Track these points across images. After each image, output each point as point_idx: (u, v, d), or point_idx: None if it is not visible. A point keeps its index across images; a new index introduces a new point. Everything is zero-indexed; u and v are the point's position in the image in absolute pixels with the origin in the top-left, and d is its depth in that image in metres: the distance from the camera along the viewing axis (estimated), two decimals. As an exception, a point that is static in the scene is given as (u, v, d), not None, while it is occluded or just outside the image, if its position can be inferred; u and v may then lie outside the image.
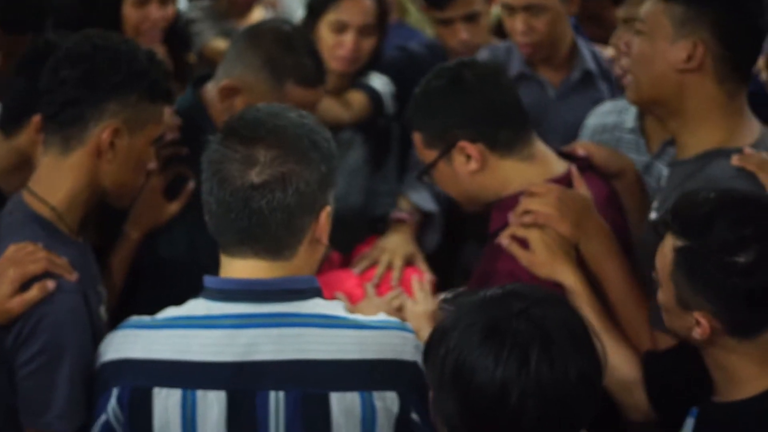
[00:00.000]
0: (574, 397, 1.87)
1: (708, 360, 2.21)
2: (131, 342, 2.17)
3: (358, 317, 2.17)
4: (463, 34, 3.76)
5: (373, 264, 3.22)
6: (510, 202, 2.62)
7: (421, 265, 3.26)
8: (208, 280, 2.16)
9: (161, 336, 2.14)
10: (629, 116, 3.22)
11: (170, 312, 2.18)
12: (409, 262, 3.25)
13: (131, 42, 2.57)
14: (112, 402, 2.14)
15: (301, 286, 2.13)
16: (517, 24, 3.57)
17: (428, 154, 2.71)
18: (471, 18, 3.78)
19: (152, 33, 3.59)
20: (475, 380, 1.85)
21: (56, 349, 2.31)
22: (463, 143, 2.63)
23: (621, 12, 3.18)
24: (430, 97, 2.71)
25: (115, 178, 2.50)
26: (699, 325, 2.14)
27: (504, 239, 2.57)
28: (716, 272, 2.11)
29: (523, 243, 2.55)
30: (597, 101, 3.53)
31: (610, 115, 3.32)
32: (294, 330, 2.09)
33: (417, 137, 2.74)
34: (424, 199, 3.53)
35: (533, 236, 2.54)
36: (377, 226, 3.56)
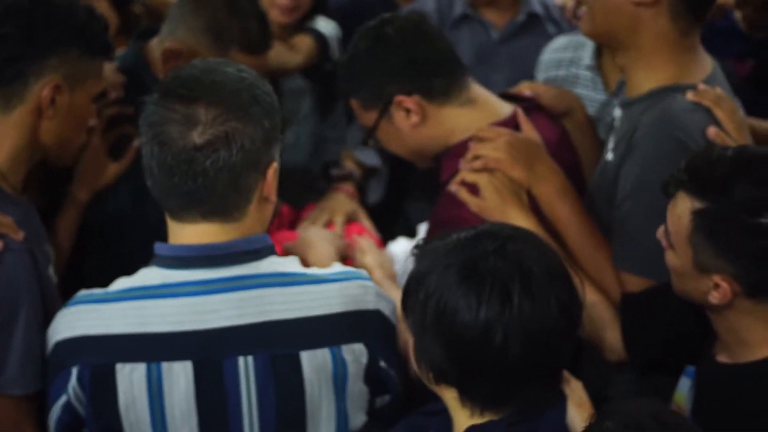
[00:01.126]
0: (557, 331, 1.87)
1: (718, 321, 2.18)
2: (85, 318, 2.09)
3: (316, 271, 2.14)
4: None
5: (314, 224, 3.22)
6: (459, 149, 2.62)
7: (365, 221, 3.28)
8: (159, 248, 2.10)
9: (117, 309, 2.07)
10: (586, 53, 3.22)
11: (123, 283, 2.11)
12: (351, 220, 3.26)
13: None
14: (72, 381, 2.07)
15: (255, 246, 2.09)
16: None
17: (368, 117, 2.71)
18: None
19: None
20: (458, 321, 1.84)
21: (7, 309, 2.25)
22: (400, 97, 2.62)
23: None
24: (357, 60, 2.71)
25: (57, 135, 2.46)
26: (717, 289, 2.10)
27: (454, 186, 2.56)
28: (739, 234, 2.06)
29: (474, 189, 2.54)
30: (543, 44, 3.52)
31: (566, 50, 3.31)
32: (254, 292, 2.06)
33: (354, 103, 2.74)
34: (368, 155, 3.55)
35: (483, 181, 2.53)
36: (327, 172, 3.56)
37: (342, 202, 3.34)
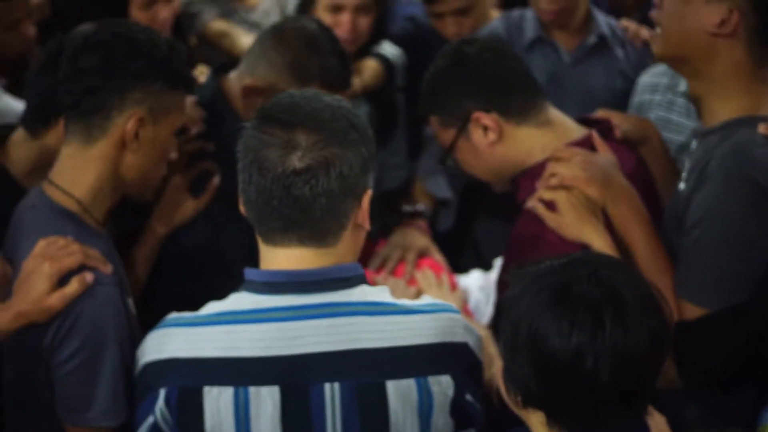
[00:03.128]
0: (646, 358, 1.85)
1: None
2: (174, 341, 2.10)
3: (406, 302, 2.13)
4: (450, 28, 3.79)
5: (386, 260, 3.23)
6: (536, 170, 2.64)
7: (437, 256, 3.27)
8: (251, 273, 2.10)
9: (207, 333, 2.08)
10: (683, 79, 3.15)
11: (213, 307, 2.11)
12: (423, 255, 3.25)
13: (150, 30, 2.52)
14: (160, 403, 2.08)
15: (347, 274, 2.09)
16: None
17: (447, 135, 2.73)
18: (461, 12, 3.80)
19: (162, 33, 3.56)
20: (549, 345, 1.83)
21: (98, 343, 2.26)
22: (478, 114, 2.65)
23: None
24: (437, 78, 2.74)
25: (139, 168, 2.46)
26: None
27: (532, 202, 2.58)
28: None
29: (551, 206, 2.55)
30: (612, 67, 3.56)
31: (665, 75, 3.29)
32: (344, 319, 2.05)
33: (433, 121, 2.77)
34: (439, 187, 3.60)
35: (561, 198, 2.55)
36: (389, 199, 3.57)
37: (414, 238, 3.33)
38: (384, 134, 3.74)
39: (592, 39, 3.70)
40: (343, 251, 2.09)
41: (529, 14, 3.74)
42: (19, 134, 2.74)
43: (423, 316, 2.10)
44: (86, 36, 2.45)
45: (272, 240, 2.08)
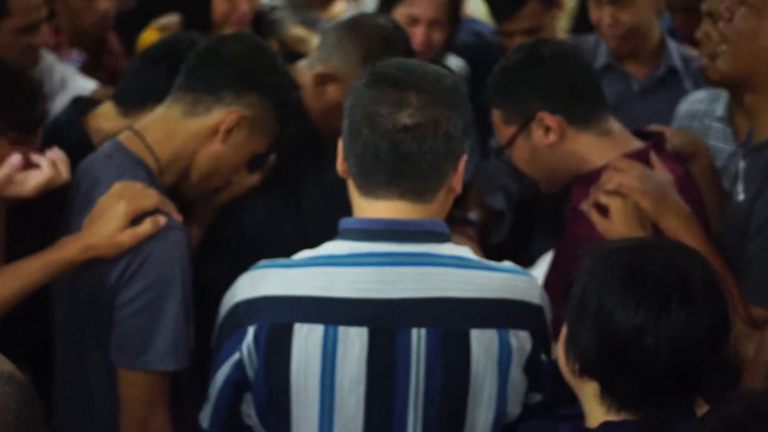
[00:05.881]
0: (706, 345, 1.88)
1: None
2: (268, 280, 2.15)
3: (489, 262, 2.20)
4: None
5: None
6: (592, 176, 2.66)
7: None
8: (347, 222, 2.16)
9: (302, 273, 2.13)
10: (720, 105, 3.24)
11: (307, 253, 2.16)
12: None
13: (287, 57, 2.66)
14: (248, 339, 2.11)
15: (440, 230, 2.15)
16: (604, 16, 3.66)
17: (507, 131, 2.74)
18: (531, 32, 3.84)
19: (239, 26, 3.64)
20: (614, 319, 1.87)
21: (164, 285, 2.30)
22: (543, 114, 2.66)
23: (705, 5, 3.16)
24: (509, 73, 2.75)
25: (215, 161, 2.52)
26: None
27: (585, 205, 2.62)
28: None
29: (603, 212, 2.59)
30: (680, 99, 3.53)
31: (702, 102, 3.33)
32: (435, 269, 2.10)
33: (496, 114, 2.77)
34: (495, 199, 3.63)
35: (615, 204, 2.57)
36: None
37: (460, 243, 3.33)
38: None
39: (662, 70, 3.75)
40: (436, 209, 2.15)
41: (603, 42, 3.78)
42: (109, 109, 2.82)
43: (505, 274, 2.17)
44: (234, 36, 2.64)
45: (373, 193, 2.13)
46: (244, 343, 2.11)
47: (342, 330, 2.08)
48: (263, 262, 2.20)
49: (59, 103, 3.17)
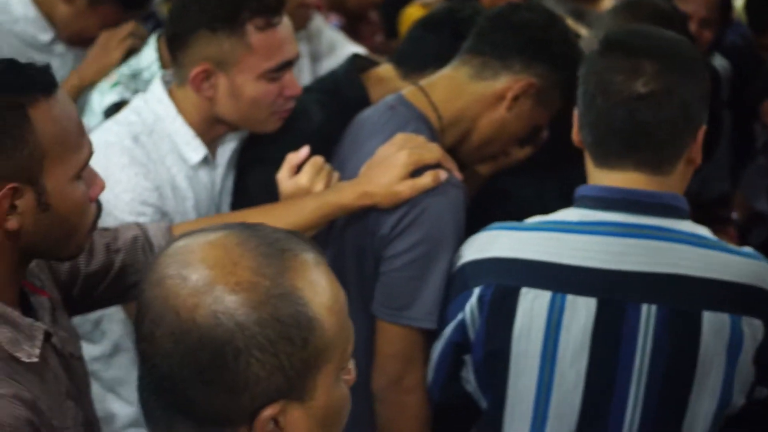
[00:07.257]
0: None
1: None
2: (498, 242, 2.12)
3: (728, 244, 2.11)
4: None
5: None
6: None
7: None
8: (583, 189, 2.12)
9: (532, 237, 2.10)
10: None
11: (538, 218, 2.14)
12: None
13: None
14: (472, 300, 2.10)
15: (679, 204, 2.08)
16: None
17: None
18: None
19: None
20: None
21: (437, 241, 2.23)
22: None
23: None
24: None
25: (495, 130, 2.46)
26: None
27: None
28: None
29: None
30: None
31: None
32: (669, 244, 2.04)
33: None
34: (759, 200, 3.64)
35: None
36: (704, 208, 3.53)
37: None
38: (710, 145, 3.87)
39: None
40: (674, 182, 2.09)
41: None
42: (388, 70, 2.78)
43: (743, 258, 2.07)
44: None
45: (607, 163, 2.09)
46: (468, 304, 2.10)
47: (570, 298, 2.03)
48: (494, 224, 2.18)
49: (324, 68, 3.26)
